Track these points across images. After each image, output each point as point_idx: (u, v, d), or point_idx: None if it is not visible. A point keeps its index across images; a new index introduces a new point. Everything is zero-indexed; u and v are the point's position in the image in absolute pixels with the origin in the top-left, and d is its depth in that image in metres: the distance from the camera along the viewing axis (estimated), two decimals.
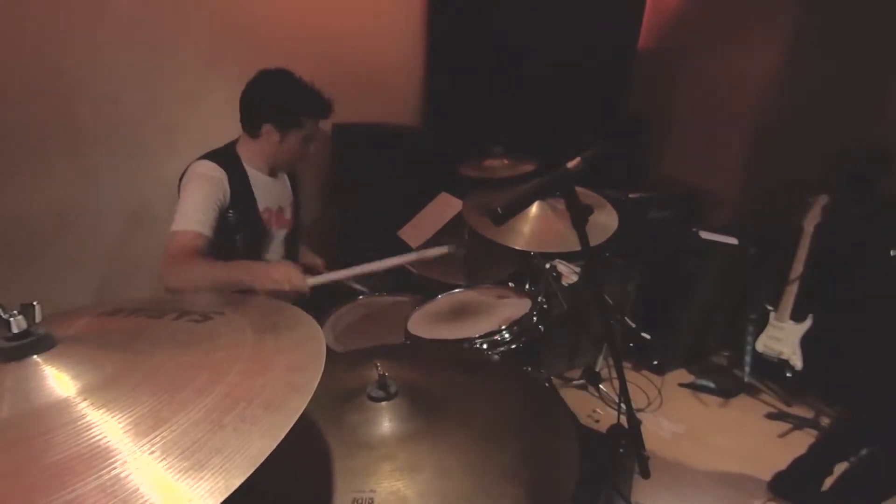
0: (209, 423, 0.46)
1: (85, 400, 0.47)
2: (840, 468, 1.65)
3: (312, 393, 0.51)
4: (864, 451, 1.61)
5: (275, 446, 0.44)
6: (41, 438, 0.43)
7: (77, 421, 0.45)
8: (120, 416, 0.46)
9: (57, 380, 0.48)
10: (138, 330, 0.62)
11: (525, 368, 1.40)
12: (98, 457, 0.42)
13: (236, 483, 0.41)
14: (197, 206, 1.44)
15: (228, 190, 1.50)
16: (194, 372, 0.53)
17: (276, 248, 1.74)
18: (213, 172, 1.49)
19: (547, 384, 1.70)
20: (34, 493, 0.39)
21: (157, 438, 0.44)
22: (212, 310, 0.68)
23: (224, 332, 0.63)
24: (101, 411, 0.46)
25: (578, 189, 1.07)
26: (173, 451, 0.43)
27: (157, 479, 0.41)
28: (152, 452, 0.43)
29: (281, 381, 0.53)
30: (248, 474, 0.41)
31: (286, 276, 1.26)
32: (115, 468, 0.41)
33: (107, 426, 0.45)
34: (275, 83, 1.51)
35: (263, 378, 0.53)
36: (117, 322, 0.65)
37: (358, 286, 1.79)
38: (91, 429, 0.44)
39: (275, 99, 1.51)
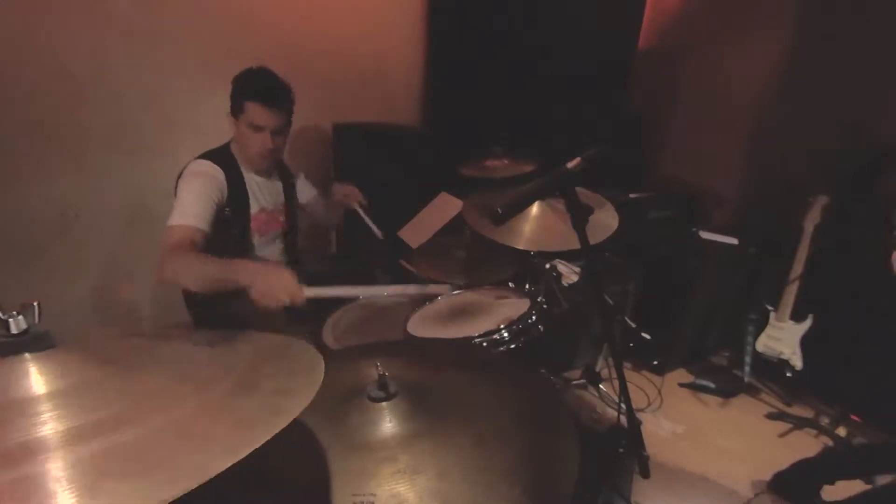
0: (169, 434, 0.46)
1: (51, 400, 0.48)
2: (843, 484, 1.64)
3: (291, 419, 0.50)
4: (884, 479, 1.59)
5: (228, 465, 0.43)
6: None
7: (31, 417, 0.46)
8: (72, 419, 0.46)
9: (36, 379, 0.49)
10: (140, 347, 0.64)
11: (528, 367, 1.40)
12: (30, 452, 0.42)
13: (169, 496, 0.40)
14: (195, 201, 1.44)
15: (226, 188, 1.52)
16: (173, 385, 0.53)
17: (271, 249, 1.74)
18: (211, 170, 1.50)
19: (547, 384, 1.69)
20: None
21: (100, 445, 0.44)
22: (223, 340, 0.68)
23: (224, 355, 0.63)
24: (58, 412, 0.47)
25: (578, 189, 1.07)
26: (113, 458, 0.43)
27: (84, 482, 0.41)
28: (88, 457, 0.43)
29: (263, 403, 0.52)
30: (189, 487, 0.40)
31: (282, 284, 1.19)
32: (45, 465, 0.41)
33: (53, 426, 0.45)
34: (236, 77, 1.51)
35: (245, 399, 0.52)
36: (128, 339, 0.65)
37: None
38: (39, 426, 0.45)
39: (231, 90, 1.52)
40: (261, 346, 0.68)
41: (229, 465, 0.42)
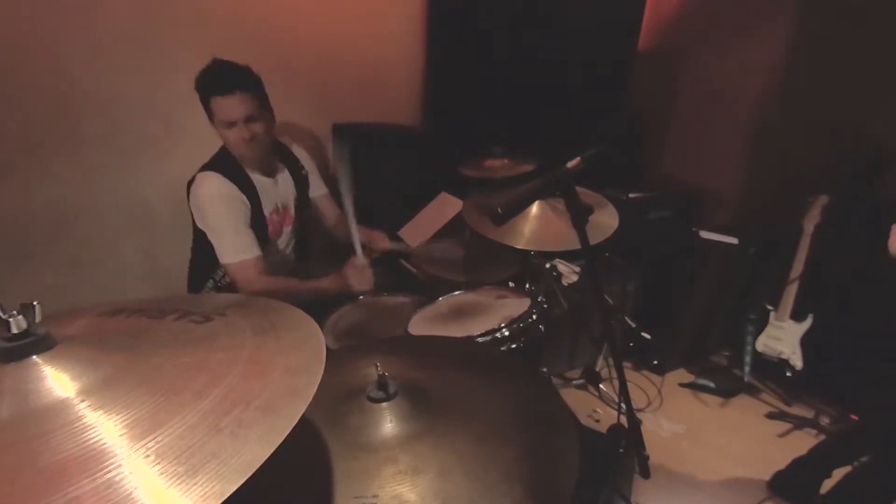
0: (206, 427, 0.46)
1: (83, 401, 0.47)
2: (839, 473, 1.65)
3: (311, 397, 0.50)
4: (865, 457, 1.60)
5: (271, 452, 0.44)
6: (39, 440, 0.43)
7: (75, 422, 0.45)
8: (117, 418, 0.46)
9: (56, 380, 0.48)
10: (139, 330, 0.62)
11: (528, 367, 1.40)
12: (94, 459, 0.41)
13: (231, 489, 0.40)
14: (236, 232, 1.48)
15: (246, 199, 1.52)
16: (193, 373, 0.53)
17: (283, 245, 1.74)
18: (228, 189, 1.48)
19: (547, 384, 1.69)
20: (29, 495, 0.38)
21: (153, 442, 0.44)
22: (213, 311, 0.67)
23: (224, 333, 0.62)
24: (99, 413, 0.46)
25: (579, 189, 1.07)
26: (169, 455, 0.43)
27: (152, 483, 0.41)
28: (148, 456, 0.42)
29: (280, 384, 0.52)
30: (244, 480, 0.41)
31: (362, 279, 1.54)
32: (110, 471, 0.41)
33: (104, 428, 0.44)
34: (194, 83, 1.48)
35: (262, 381, 0.53)
36: (118, 322, 0.64)
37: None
38: (88, 430, 0.44)
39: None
40: (256, 315, 0.67)
41: (269, 453, 0.43)
